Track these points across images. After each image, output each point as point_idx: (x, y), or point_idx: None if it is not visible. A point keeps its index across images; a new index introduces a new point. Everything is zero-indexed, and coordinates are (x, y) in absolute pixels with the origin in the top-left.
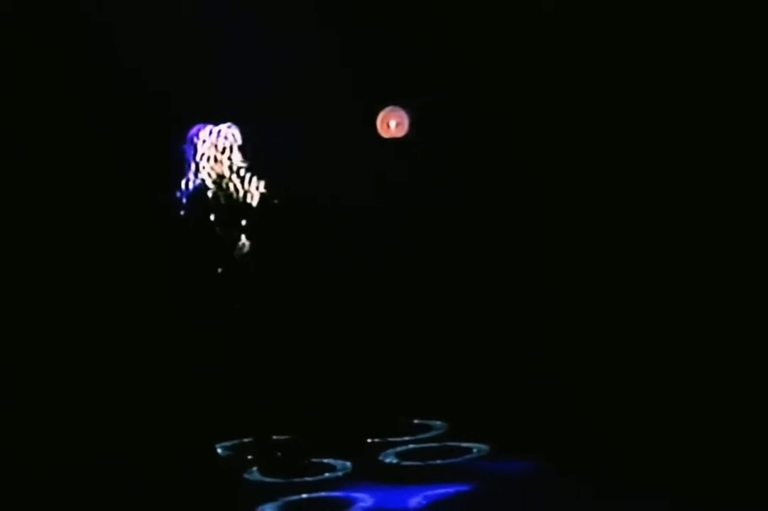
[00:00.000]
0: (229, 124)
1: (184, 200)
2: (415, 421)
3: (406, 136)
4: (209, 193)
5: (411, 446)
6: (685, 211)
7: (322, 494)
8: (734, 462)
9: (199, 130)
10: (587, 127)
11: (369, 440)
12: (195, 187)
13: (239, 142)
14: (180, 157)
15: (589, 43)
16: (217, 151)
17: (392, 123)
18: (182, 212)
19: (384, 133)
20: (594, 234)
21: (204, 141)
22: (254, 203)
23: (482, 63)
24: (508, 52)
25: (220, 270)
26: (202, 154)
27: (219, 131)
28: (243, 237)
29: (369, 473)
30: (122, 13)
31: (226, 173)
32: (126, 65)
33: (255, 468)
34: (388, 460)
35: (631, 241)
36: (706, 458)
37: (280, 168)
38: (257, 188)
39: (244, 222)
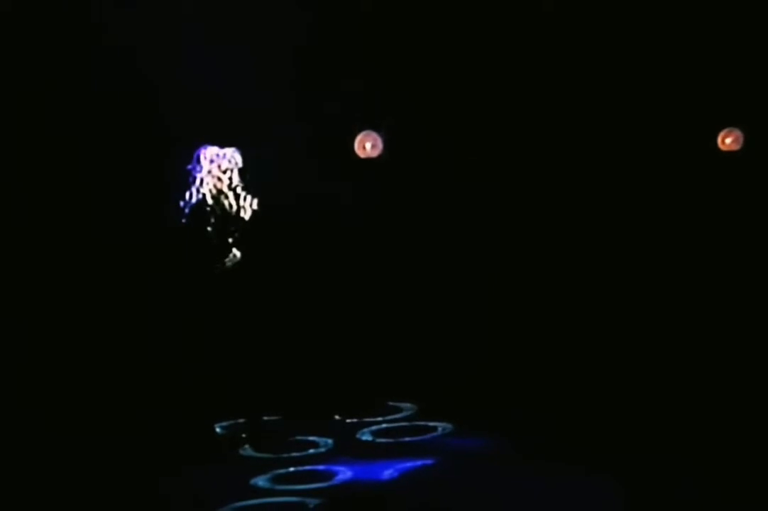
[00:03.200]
0: (234, 148)
1: (186, 211)
2: (389, 403)
3: (380, 156)
4: (208, 207)
5: (384, 425)
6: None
7: (308, 467)
8: (686, 443)
9: (204, 150)
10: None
11: (344, 419)
12: (196, 200)
13: (240, 165)
14: (185, 173)
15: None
16: (219, 170)
17: (368, 145)
18: (183, 221)
19: (361, 154)
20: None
21: (211, 161)
22: (246, 217)
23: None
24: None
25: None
26: (207, 172)
27: (224, 154)
28: (234, 249)
29: (348, 449)
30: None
31: (225, 190)
32: (134, 87)
33: (248, 445)
34: (364, 438)
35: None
36: (661, 434)
37: (268, 186)
38: (250, 205)
39: (236, 234)
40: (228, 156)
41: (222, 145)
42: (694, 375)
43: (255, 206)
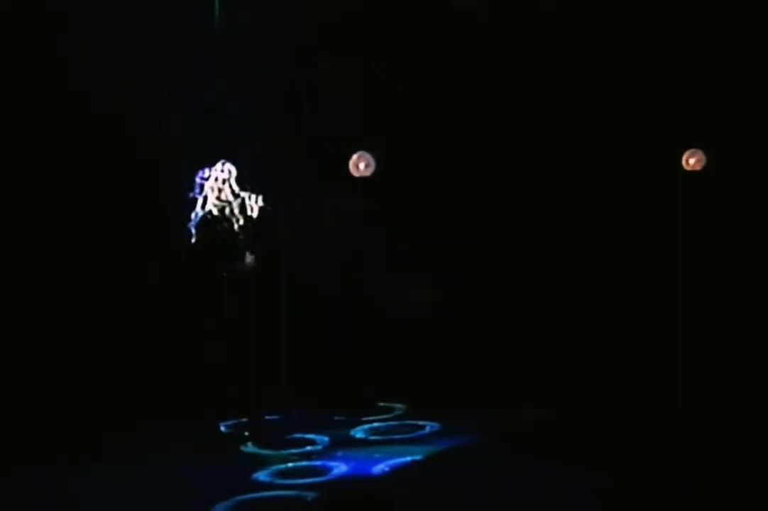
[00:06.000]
0: (223, 160)
1: (193, 230)
2: (381, 403)
3: (373, 175)
4: (215, 220)
5: (377, 424)
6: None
7: (305, 463)
8: (686, 442)
9: (202, 174)
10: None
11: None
12: (201, 218)
13: (234, 173)
14: (190, 197)
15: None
16: (217, 183)
17: (361, 165)
18: (192, 239)
19: (355, 173)
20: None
21: (207, 178)
22: (254, 215)
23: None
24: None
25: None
26: (209, 188)
27: (217, 167)
28: (248, 254)
29: (343, 446)
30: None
31: (230, 199)
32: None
33: (251, 442)
34: (358, 435)
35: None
36: (647, 434)
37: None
38: (256, 202)
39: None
40: (220, 168)
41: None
42: (692, 375)
43: (261, 203)
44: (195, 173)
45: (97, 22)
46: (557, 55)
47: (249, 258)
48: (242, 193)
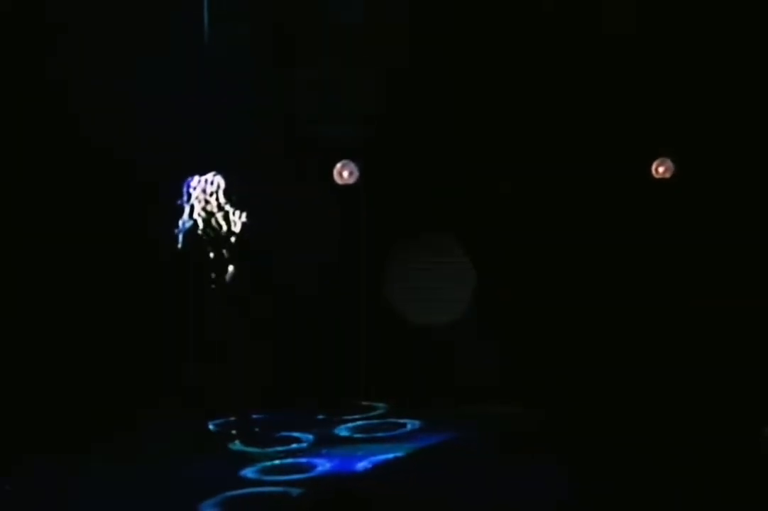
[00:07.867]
0: (214, 172)
1: (180, 236)
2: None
3: (356, 183)
4: (200, 229)
5: (360, 422)
6: None
7: (291, 460)
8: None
9: (191, 182)
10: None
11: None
12: (189, 226)
13: (223, 186)
14: (178, 206)
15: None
16: (205, 194)
17: (345, 173)
18: (179, 245)
19: (339, 181)
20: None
21: (195, 188)
22: (237, 230)
23: None
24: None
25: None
26: (196, 198)
27: (206, 180)
28: (230, 266)
29: (327, 444)
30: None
31: (215, 211)
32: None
33: (238, 440)
34: (342, 433)
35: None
36: (650, 429)
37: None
38: (239, 218)
39: (230, 243)
40: (210, 180)
41: (205, 172)
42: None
43: (244, 219)
44: (184, 181)
45: (92, 26)
46: (533, 62)
47: (230, 270)
48: (227, 207)
